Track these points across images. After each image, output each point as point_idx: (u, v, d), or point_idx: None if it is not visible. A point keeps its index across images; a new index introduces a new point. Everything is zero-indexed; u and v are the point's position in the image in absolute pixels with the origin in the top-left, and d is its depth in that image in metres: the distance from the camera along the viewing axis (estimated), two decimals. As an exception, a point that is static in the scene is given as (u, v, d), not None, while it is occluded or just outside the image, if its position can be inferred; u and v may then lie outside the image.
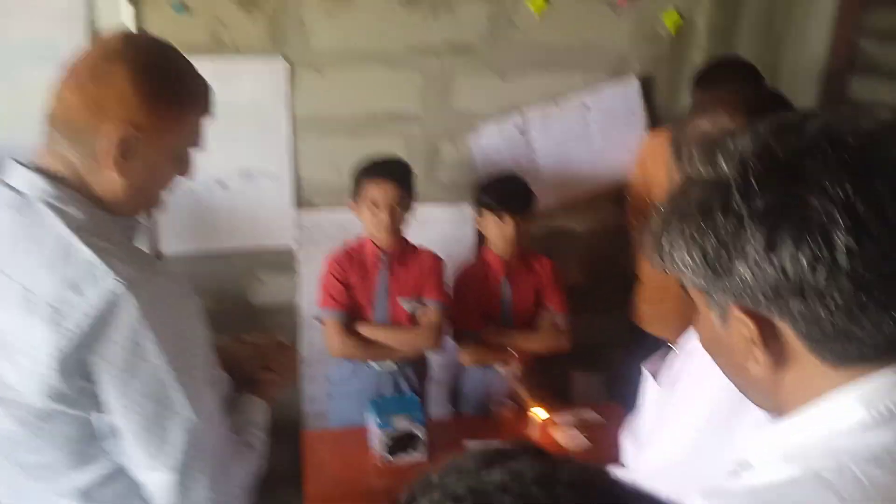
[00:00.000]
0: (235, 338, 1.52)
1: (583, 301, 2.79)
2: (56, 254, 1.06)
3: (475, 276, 2.51)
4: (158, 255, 2.50)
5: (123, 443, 1.12)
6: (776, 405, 0.78)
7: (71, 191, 1.12)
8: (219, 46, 2.36)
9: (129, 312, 1.04)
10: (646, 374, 1.31)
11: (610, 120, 2.74)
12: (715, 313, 0.74)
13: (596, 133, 2.75)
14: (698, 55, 2.68)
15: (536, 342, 2.50)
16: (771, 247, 0.65)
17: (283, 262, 2.65)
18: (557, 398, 2.47)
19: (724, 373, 0.83)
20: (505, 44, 2.58)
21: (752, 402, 0.85)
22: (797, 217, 0.64)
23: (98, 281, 1.04)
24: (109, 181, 1.14)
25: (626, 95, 2.73)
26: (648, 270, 2.74)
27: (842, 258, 0.64)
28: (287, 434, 2.77)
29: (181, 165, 1.22)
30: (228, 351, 1.41)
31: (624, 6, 2.60)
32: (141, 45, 1.19)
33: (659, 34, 2.68)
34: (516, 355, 2.47)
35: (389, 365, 2.43)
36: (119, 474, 1.16)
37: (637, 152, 2.75)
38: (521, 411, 2.41)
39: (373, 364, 2.42)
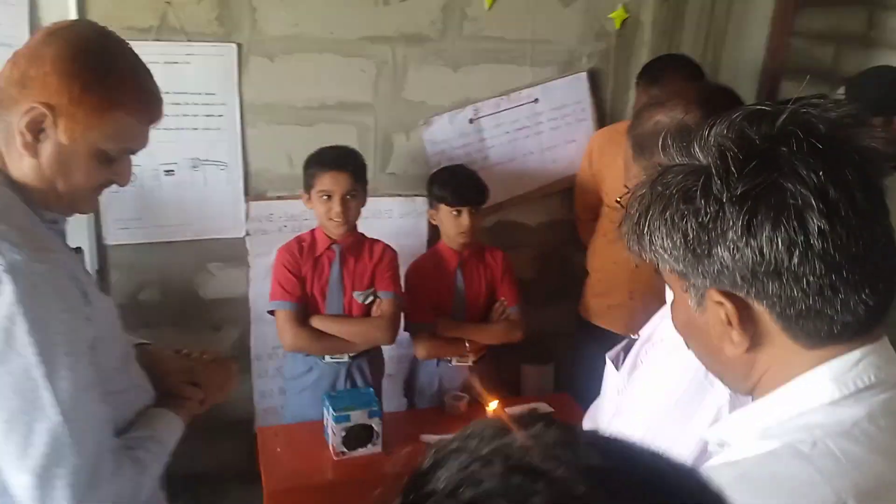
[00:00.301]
0: (174, 350, 1.47)
1: (532, 293, 2.82)
2: None
3: (428, 268, 2.51)
4: (77, 250, 2.40)
5: None
6: (749, 386, 0.80)
7: None
8: (167, 31, 2.27)
9: (5, 297, 1.00)
10: (608, 362, 1.34)
11: (559, 114, 2.78)
12: (692, 297, 0.77)
13: (546, 127, 2.78)
14: (644, 52, 2.75)
15: (490, 334, 2.51)
16: (749, 230, 0.68)
17: (233, 253, 2.58)
18: (509, 390, 2.50)
19: (697, 356, 0.86)
20: (457, 35, 2.58)
21: (725, 384, 0.87)
22: (774, 201, 0.67)
23: None
24: (22, 163, 1.11)
25: (574, 90, 2.77)
26: (596, 263, 2.80)
27: (815, 241, 0.67)
28: (240, 431, 2.73)
29: (108, 167, 1.16)
30: (157, 359, 1.37)
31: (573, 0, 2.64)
32: (82, 32, 1.15)
33: (606, 30, 2.74)
34: (470, 348, 2.48)
35: (343, 358, 2.40)
36: None
37: (585, 146, 2.80)
38: (476, 404, 2.43)
39: (327, 358, 2.39)
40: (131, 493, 1.15)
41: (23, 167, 1.11)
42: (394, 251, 2.44)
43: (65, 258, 1.12)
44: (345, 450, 2.16)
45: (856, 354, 0.73)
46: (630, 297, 2.62)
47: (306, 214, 2.48)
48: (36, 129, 1.08)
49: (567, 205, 2.92)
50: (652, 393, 1.18)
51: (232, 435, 2.74)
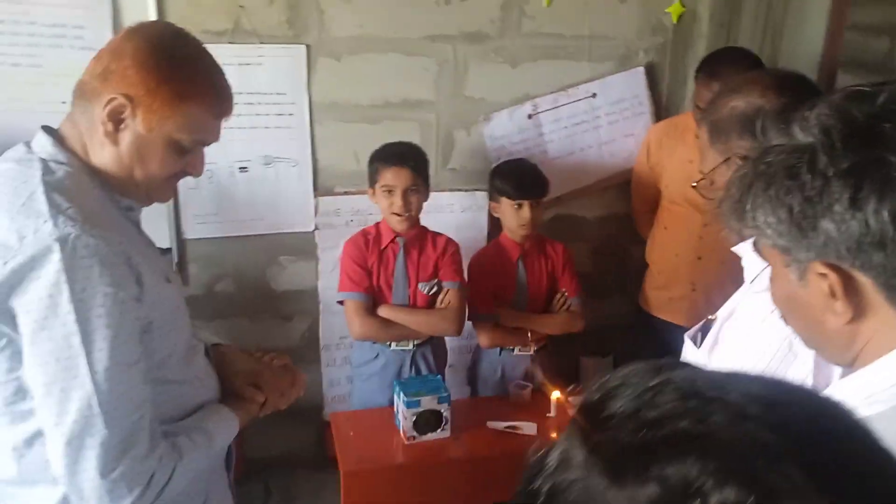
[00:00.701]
0: (248, 352, 1.50)
1: (591, 287, 2.86)
2: (21, 204, 1.09)
3: (491, 259, 2.57)
4: (166, 251, 2.50)
5: (34, 405, 1.11)
6: (851, 357, 0.82)
7: (69, 154, 1.18)
8: (240, 34, 2.39)
9: (53, 264, 1.05)
10: (686, 341, 1.37)
11: (617, 108, 2.82)
12: (793, 271, 0.80)
13: (603, 121, 2.83)
14: (701, 45, 2.77)
15: (552, 324, 2.56)
16: (855, 203, 0.71)
17: (303, 247, 2.69)
18: (568, 382, 2.54)
19: (797, 329, 0.88)
20: (516, 33, 2.64)
21: (825, 356, 0.90)
22: (879, 175, 0.71)
23: (37, 231, 1.06)
24: (103, 151, 1.18)
25: (632, 84, 2.81)
26: (656, 256, 2.82)
27: None
28: (309, 418, 2.83)
29: (182, 158, 1.22)
30: (228, 360, 1.41)
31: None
32: (160, 30, 1.23)
33: (663, 24, 2.77)
34: (532, 337, 2.54)
35: (409, 346, 2.48)
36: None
37: (643, 140, 2.83)
38: (538, 393, 2.48)
39: (392, 345, 2.47)
40: (164, 477, 1.15)
41: (104, 155, 1.19)
42: (456, 244, 2.51)
43: (124, 239, 1.14)
44: (415, 434, 2.23)
45: None
46: (692, 289, 2.64)
47: (372, 209, 2.57)
48: (117, 119, 1.16)
49: (625, 198, 2.95)
50: (735, 368, 1.22)
51: (301, 422, 2.84)
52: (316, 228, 2.68)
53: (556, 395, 2.40)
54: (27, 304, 1.06)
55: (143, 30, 1.21)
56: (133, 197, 1.24)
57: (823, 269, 0.76)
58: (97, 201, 1.17)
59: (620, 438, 0.42)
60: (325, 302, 2.76)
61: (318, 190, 2.64)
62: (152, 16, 2.30)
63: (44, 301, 1.05)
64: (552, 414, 2.39)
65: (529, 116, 2.75)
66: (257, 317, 2.74)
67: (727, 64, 2.48)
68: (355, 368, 2.56)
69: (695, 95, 2.57)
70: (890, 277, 0.74)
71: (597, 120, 2.81)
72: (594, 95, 2.78)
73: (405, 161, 2.34)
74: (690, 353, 1.36)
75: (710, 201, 1.27)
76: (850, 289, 0.76)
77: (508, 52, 2.66)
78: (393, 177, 2.32)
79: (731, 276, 2.58)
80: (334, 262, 2.68)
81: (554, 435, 2.32)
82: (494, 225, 2.72)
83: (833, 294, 0.77)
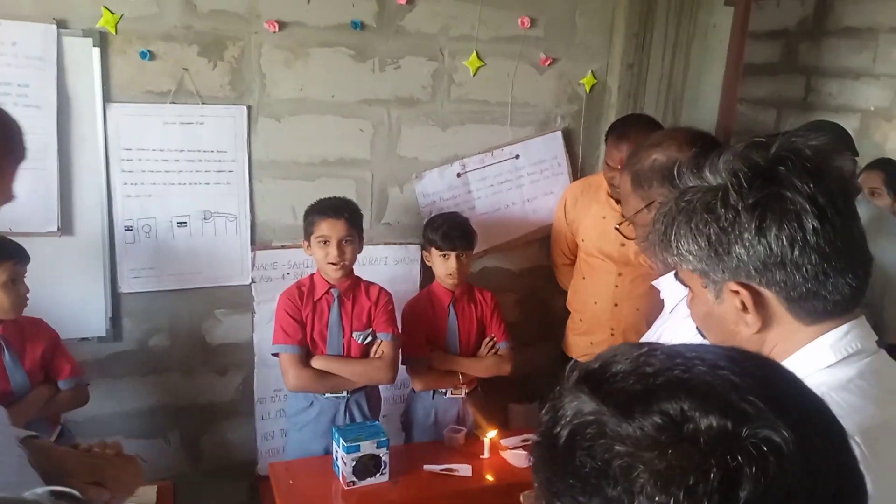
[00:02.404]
0: (72, 445, 1.34)
1: (517, 335, 3.01)
2: None
3: (423, 305, 2.70)
4: None
5: None
6: None
7: None
8: (183, 94, 2.48)
9: None
10: None
11: (538, 168, 3.05)
12: (710, 291, 0.97)
13: (526, 180, 3.05)
14: (611, 113, 3.05)
15: (482, 367, 2.69)
16: (760, 230, 0.89)
17: (239, 300, 2.74)
18: (497, 427, 2.66)
19: (713, 341, 1.03)
20: (445, 98, 2.85)
21: None
22: (779, 207, 0.88)
23: None
24: None
25: (551, 146, 3.05)
26: (577, 304, 3.02)
27: (810, 237, 0.88)
28: (242, 472, 2.83)
29: None
30: (55, 457, 1.24)
31: (545, 66, 2.94)
32: None
33: (578, 94, 3.04)
34: (463, 380, 2.66)
35: (342, 394, 2.54)
36: None
37: (560, 198, 3.06)
38: (471, 437, 2.59)
39: (327, 394, 2.53)
40: None
41: None
42: (389, 293, 2.62)
43: None
44: (355, 479, 2.29)
45: (845, 328, 0.93)
46: (611, 333, 2.84)
47: (308, 262, 2.67)
48: None
49: (546, 251, 3.15)
50: None
51: (233, 478, 2.84)
52: (252, 281, 2.74)
53: (490, 435, 2.51)
54: None
55: None
56: None
57: (736, 287, 0.93)
58: None
59: (626, 388, 0.55)
60: (261, 355, 2.80)
61: (256, 244, 2.72)
62: (97, 76, 2.37)
63: None
64: (485, 455, 2.50)
65: (458, 175, 2.94)
66: (192, 371, 2.75)
67: (632, 128, 2.76)
68: (290, 418, 2.60)
69: (606, 155, 2.82)
70: (790, 291, 0.91)
71: (520, 179, 3.03)
72: (517, 157, 3.01)
73: (340, 213, 2.45)
74: None
75: (631, 240, 1.45)
76: (759, 303, 0.93)
77: (438, 115, 2.85)
78: (328, 228, 2.43)
79: (646, 320, 2.82)
80: (270, 314, 2.74)
81: (489, 477, 2.43)
82: (426, 276, 2.86)
83: (744, 308, 0.93)
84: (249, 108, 2.59)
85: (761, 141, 0.94)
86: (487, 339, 2.72)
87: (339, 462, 2.31)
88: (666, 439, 0.51)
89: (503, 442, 2.58)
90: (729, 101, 3.25)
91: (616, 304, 2.83)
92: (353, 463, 2.28)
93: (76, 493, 1.12)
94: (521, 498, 0.70)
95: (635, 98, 3.07)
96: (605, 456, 0.53)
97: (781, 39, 4.17)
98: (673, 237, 0.97)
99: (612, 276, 2.83)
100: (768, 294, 0.93)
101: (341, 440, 2.28)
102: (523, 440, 2.62)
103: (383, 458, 2.33)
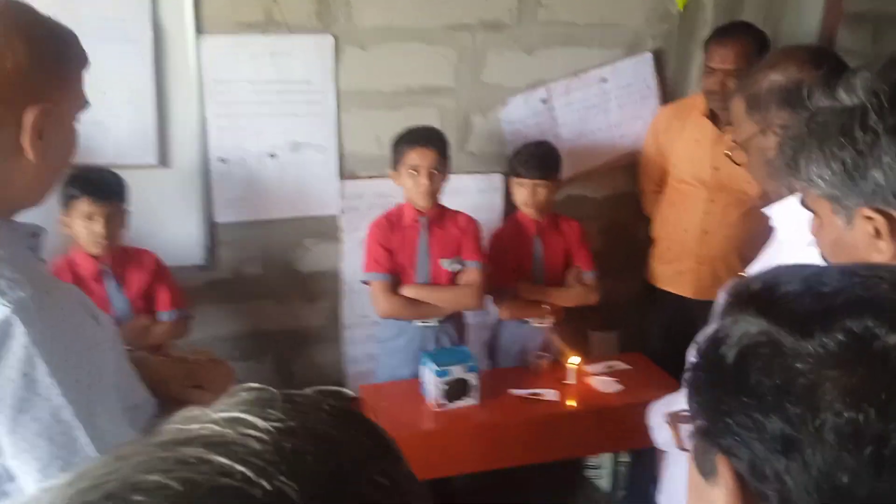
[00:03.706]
0: (163, 354, 1.39)
1: (598, 264, 2.99)
2: None
3: (509, 236, 2.71)
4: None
5: (27, 489, 0.98)
6: None
7: None
8: (272, 25, 2.49)
9: (18, 340, 0.91)
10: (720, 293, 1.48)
11: (625, 93, 2.95)
12: (841, 217, 0.94)
13: (613, 105, 2.96)
14: (705, 32, 2.90)
15: (568, 297, 2.70)
16: None
17: (327, 230, 2.80)
18: (579, 354, 2.69)
19: None
20: (531, 21, 2.76)
21: None
22: None
23: None
24: (18, 170, 0.99)
25: (640, 69, 2.94)
26: (663, 232, 2.97)
27: None
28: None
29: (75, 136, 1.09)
30: (152, 368, 1.27)
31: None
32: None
33: (669, 11, 2.90)
34: (550, 309, 2.68)
35: (432, 323, 2.60)
36: None
37: (650, 123, 2.97)
38: (556, 362, 2.62)
39: (416, 322, 2.59)
40: None
41: (18, 174, 1.00)
42: (476, 221, 2.63)
43: (66, 284, 1.03)
44: (446, 402, 2.37)
45: None
46: (698, 262, 2.79)
47: (393, 193, 2.68)
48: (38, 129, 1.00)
49: (630, 179, 3.08)
50: None
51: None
52: (341, 211, 2.79)
53: (574, 361, 2.54)
54: None
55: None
56: (32, 205, 1.06)
57: (870, 213, 0.90)
58: (4, 241, 0.98)
59: (803, 307, 0.55)
60: (348, 282, 2.88)
61: (344, 175, 2.75)
62: (189, 8, 2.40)
63: (18, 383, 0.92)
64: (570, 381, 2.54)
65: (543, 101, 2.87)
66: (283, 298, 2.85)
67: (739, 29, 2.61)
68: (380, 344, 2.68)
69: (707, 58, 2.66)
70: None
71: (607, 104, 2.94)
72: (605, 80, 2.91)
73: (430, 142, 2.46)
74: None
75: (739, 166, 1.40)
76: (894, 229, 0.90)
77: (524, 39, 2.77)
78: (418, 157, 2.44)
79: (737, 250, 2.74)
80: (357, 244, 2.80)
81: (574, 403, 2.47)
82: (510, 206, 2.85)
83: (878, 234, 0.90)
84: (335, 37, 2.58)
85: None
86: (574, 269, 2.72)
87: (429, 385, 2.38)
88: (852, 357, 0.51)
89: (587, 368, 2.60)
90: (833, 17, 3.04)
91: (706, 232, 2.77)
92: (446, 386, 2.35)
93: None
94: (664, 417, 0.70)
95: (732, 14, 2.90)
96: (785, 374, 0.53)
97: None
98: (803, 161, 0.94)
99: (702, 202, 2.76)
100: None
101: (432, 365, 2.35)
102: (608, 366, 2.65)
103: (472, 382, 2.39)
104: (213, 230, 2.68)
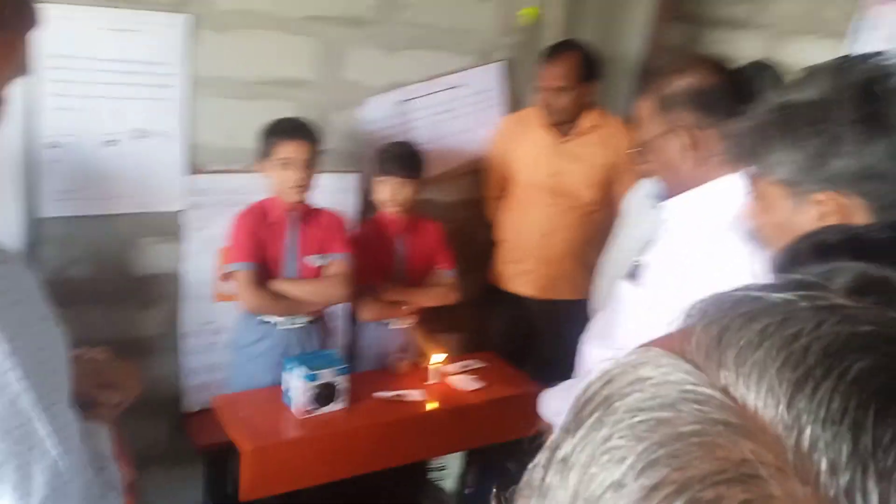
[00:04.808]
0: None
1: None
2: None
3: (371, 235, 2.67)
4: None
5: None
6: None
7: None
8: (119, -3, 2.23)
9: None
10: (622, 284, 1.56)
11: (475, 100, 3.04)
12: (791, 202, 1.03)
13: (462, 112, 3.03)
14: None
15: (429, 297, 2.72)
16: (863, 143, 0.95)
17: (168, 228, 2.56)
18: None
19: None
20: (393, 21, 2.75)
21: None
22: (879, 124, 0.95)
23: None
24: None
25: (489, 78, 3.05)
26: (507, 234, 3.09)
27: None
28: (165, 411, 2.69)
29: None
30: None
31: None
32: None
33: (519, 24, 3.03)
34: (411, 310, 2.68)
35: (298, 324, 2.49)
36: None
37: (495, 131, 3.09)
38: (417, 363, 2.63)
39: (280, 325, 2.46)
40: None
41: None
42: (341, 217, 2.57)
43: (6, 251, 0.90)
44: (314, 407, 2.27)
45: None
46: (539, 263, 2.96)
47: (245, 189, 2.53)
48: None
49: (475, 185, 3.18)
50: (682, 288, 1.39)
51: (149, 416, 2.68)
52: (185, 208, 2.56)
53: (437, 359, 2.56)
54: None
55: None
56: None
57: (822, 198, 1.00)
58: None
59: None
60: (189, 286, 2.65)
61: (191, 168, 2.53)
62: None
63: None
64: (432, 381, 2.55)
65: (400, 103, 2.87)
66: (114, 303, 2.56)
67: (569, 46, 2.82)
68: (240, 350, 2.51)
69: (540, 78, 2.84)
70: (882, 200, 0.98)
71: (458, 110, 3.01)
72: (456, 86, 2.98)
73: (305, 134, 2.36)
74: (628, 293, 1.51)
75: (645, 165, 1.50)
76: (844, 213, 1.00)
77: (385, 38, 2.75)
78: (293, 150, 2.33)
79: (573, 251, 2.96)
80: (202, 243, 2.60)
81: (435, 404, 2.48)
82: (366, 207, 2.81)
83: (823, 218, 1.00)
84: (191, 17, 2.37)
85: (853, 60, 1.01)
86: (436, 269, 2.75)
87: (296, 391, 2.27)
88: None
89: (446, 368, 2.64)
90: (658, 31, 3.38)
91: (546, 234, 2.94)
92: (314, 391, 2.25)
93: None
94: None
95: (574, 30, 3.11)
96: None
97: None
98: (763, 149, 1.03)
99: (543, 206, 2.94)
100: (857, 203, 0.99)
101: (301, 368, 2.24)
102: (463, 365, 2.71)
103: (339, 387, 2.31)
104: (34, 226, 2.33)
